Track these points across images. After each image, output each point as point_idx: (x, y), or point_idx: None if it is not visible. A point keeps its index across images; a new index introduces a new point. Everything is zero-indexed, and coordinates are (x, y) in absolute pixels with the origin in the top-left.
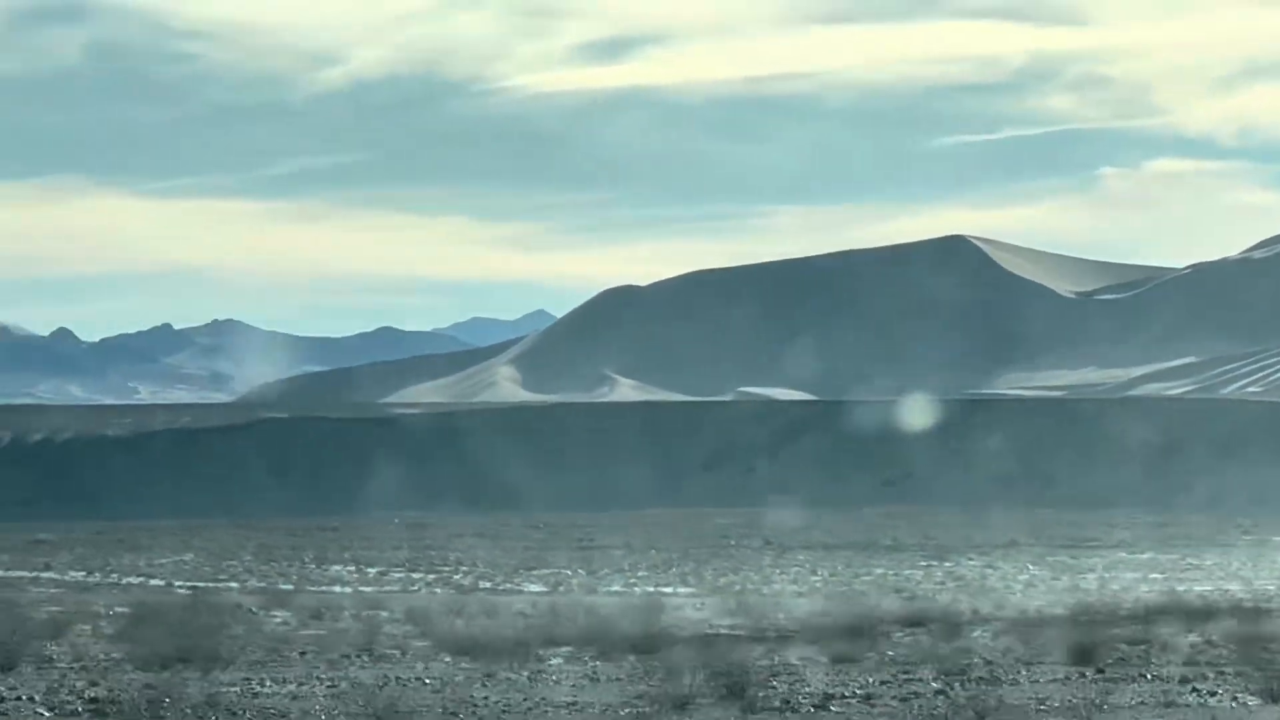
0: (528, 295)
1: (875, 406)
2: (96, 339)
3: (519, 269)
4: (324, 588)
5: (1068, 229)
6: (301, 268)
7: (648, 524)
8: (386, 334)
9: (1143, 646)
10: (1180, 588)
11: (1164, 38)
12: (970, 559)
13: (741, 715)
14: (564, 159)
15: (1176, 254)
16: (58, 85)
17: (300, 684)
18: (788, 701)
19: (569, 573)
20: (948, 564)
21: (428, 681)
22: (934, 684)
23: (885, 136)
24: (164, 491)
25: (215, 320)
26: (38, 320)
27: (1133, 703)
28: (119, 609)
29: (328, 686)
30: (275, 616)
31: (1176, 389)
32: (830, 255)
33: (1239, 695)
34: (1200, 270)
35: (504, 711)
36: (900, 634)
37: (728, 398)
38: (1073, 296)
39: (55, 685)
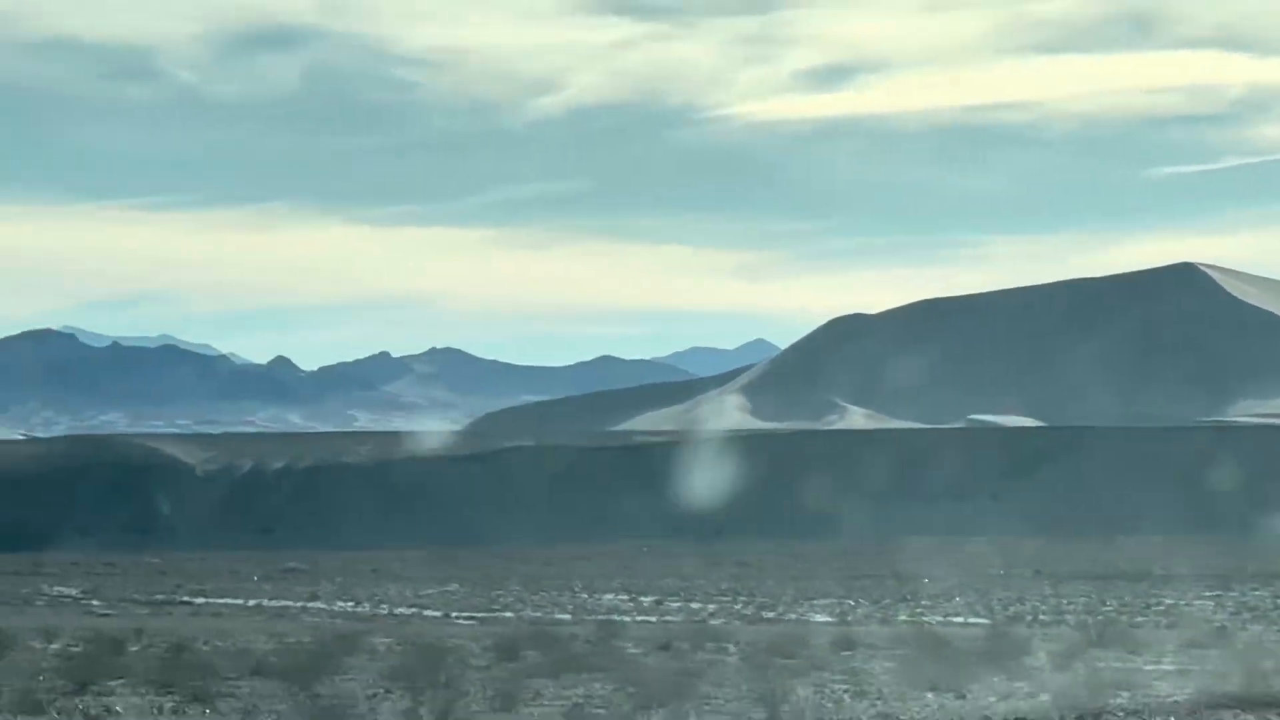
0: (746, 324)
1: (1107, 434)
2: (315, 367)
3: (737, 298)
4: (605, 615)
5: None
6: (520, 296)
7: (898, 552)
8: (606, 363)
9: None
10: None
11: None
12: (1254, 588)
13: None
14: (782, 187)
15: None
16: (276, 111)
17: None
18: None
19: (851, 602)
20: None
21: None
22: None
23: (1103, 165)
24: (404, 520)
25: (434, 348)
26: (256, 348)
27: None
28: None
29: None
30: (634, 648)
31: None
32: (1059, 283)
33: None
34: None
35: None
36: None
37: (959, 425)
38: None
39: None
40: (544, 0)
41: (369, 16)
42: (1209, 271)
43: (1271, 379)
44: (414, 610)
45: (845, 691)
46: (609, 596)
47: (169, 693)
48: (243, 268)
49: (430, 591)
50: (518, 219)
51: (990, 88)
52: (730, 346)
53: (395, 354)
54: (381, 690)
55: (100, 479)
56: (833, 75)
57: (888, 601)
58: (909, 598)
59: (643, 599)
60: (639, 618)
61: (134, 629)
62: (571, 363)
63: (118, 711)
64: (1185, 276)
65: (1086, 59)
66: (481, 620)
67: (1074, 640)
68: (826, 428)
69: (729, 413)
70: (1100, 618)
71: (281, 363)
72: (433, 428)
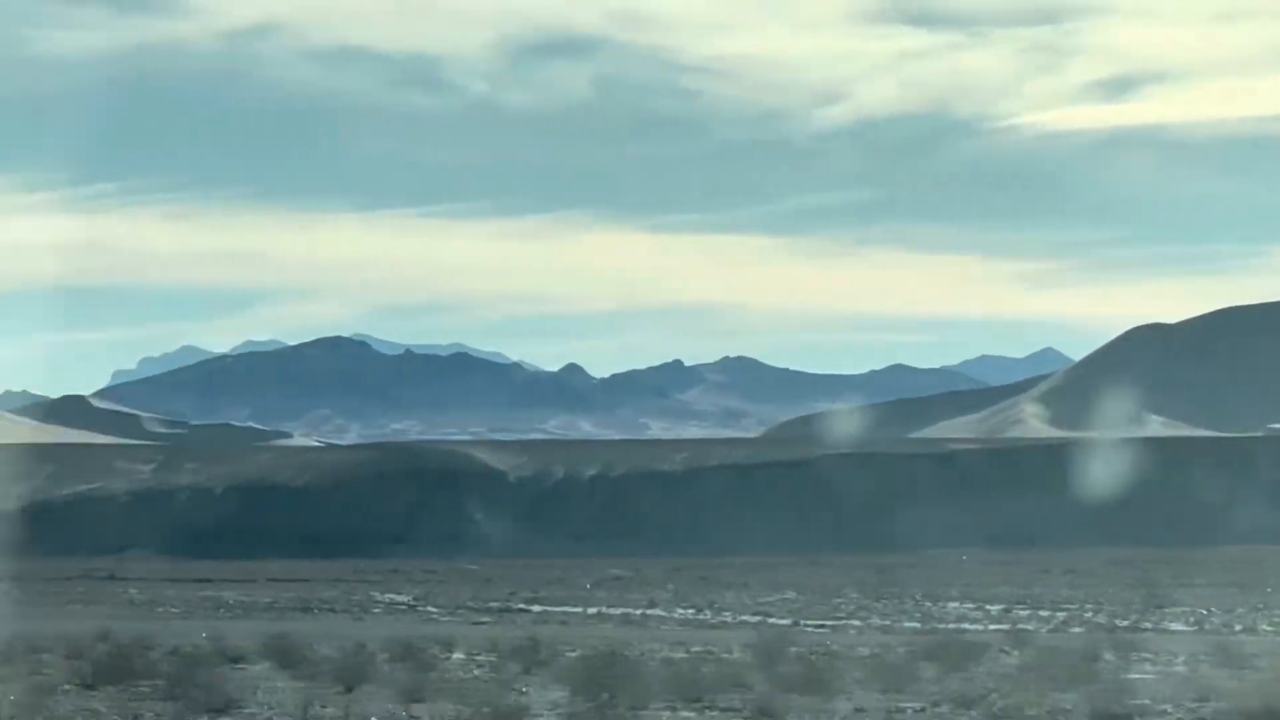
0: (1035, 332)
1: None
2: (607, 374)
3: (1026, 306)
4: (949, 625)
5: None
6: (810, 305)
7: (1228, 561)
8: (897, 371)
9: None
10: None
11: None
12: None
13: None
14: (1069, 197)
15: None
16: (566, 120)
17: None
18: None
19: (1204, 611)
20: None
21: None
22: None
23: None
24: (716, 526)
25: (726, 357)
26: (548, 356)
27: None
28: (866, 651)
29: None
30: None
31: None
32: None
33: None
34: None
35: None
36: None
37: (1258, 433)
38: None
39: None
40: (831, 10)
41: (657, 26)
42: None
43: None
44: (759, 618)
45: None
46: (953, 605)
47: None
48: (533, 276)
49: (769, 599)
50: (807, 228)
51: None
52: (1020, 355)
53: (688, 362)
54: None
55: (413, 486)
56: (1121, 85)
57: (1240, 610)
58: (1263, 606)
59: (989, 608)
60: (991, 626)
61: (526, 638)
62: (863, 371)
63: None
64: None
65: None
66: (858, 630)
67: None
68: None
69: (1027, 421)
70: None
71: (573, 370)
72: (735, 435)
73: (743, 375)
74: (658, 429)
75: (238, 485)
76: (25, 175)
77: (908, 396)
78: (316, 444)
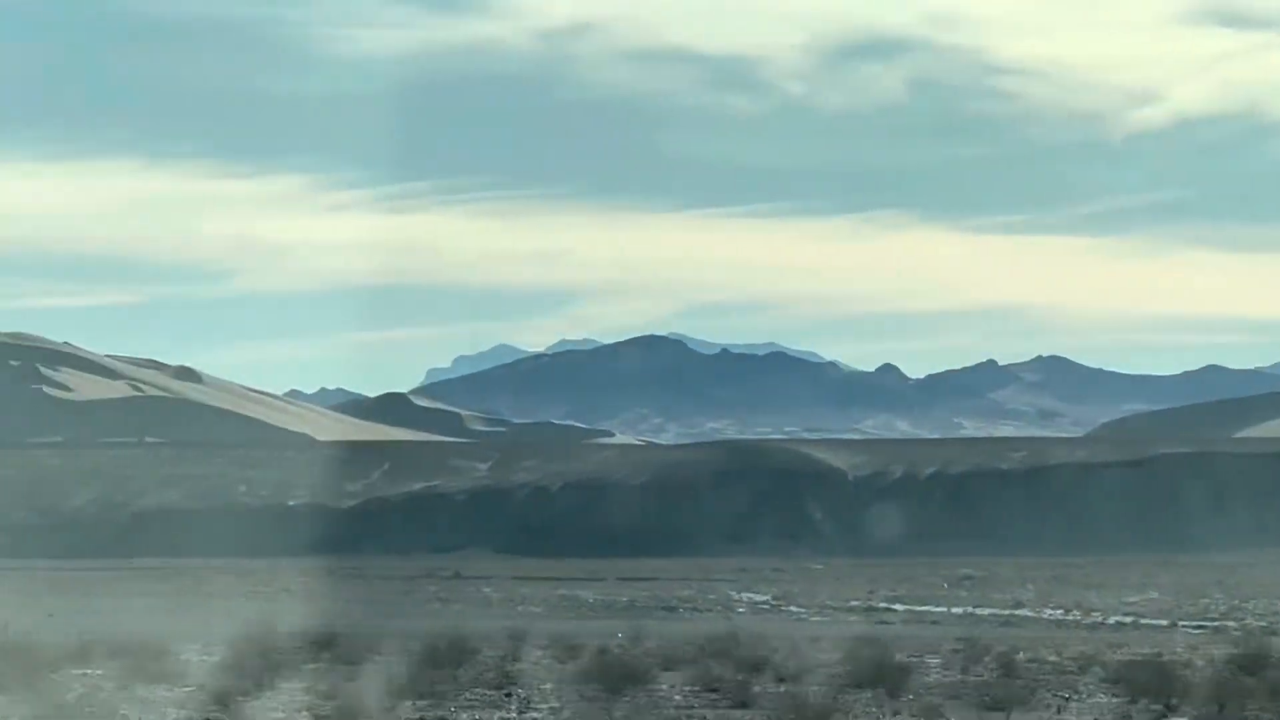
0: None
1: None
2: (921, 375)
3: None
4: None
5: None
6: (1124, 305)
7: None
8: (1212, 372)
9: None
10: None
11: None
12: None
13: None
14: None
15: None
16: (880, 121)
17: None
18: None
19: None
20: None
21: None
22: None
23: None
24: (1061, 525)
25: (1040, 356)
26: (864, 356)
27: None
28: None
29: None
30: None
31: None
32: None
33: None
34: None
35: None
36: None
37: None
38: None
39: None
40: (1144, 11)
41: (971, 28)
42: None
43: None
44: (1130, 619)
45: None
46: None
47: None
48: (848, 275)
49: (1133, 599)
50: (1121, 228)
51: None
52: None
53: (1002, 362)
54: None
55: (750, 484)
56: None
57: None
58: None
59: None
60: None
61: (956, 638)
62: (1177, 371)
63: None
64: None
65: None
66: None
67: None
68: None
69: None
70: None
71: (888, 370)
72: (1056, 434)
73: (1056, 375)
74: (972, 429)
75: (574, 483)
76: (339, 175)
77: (1225, 398)
78: (637, 442)
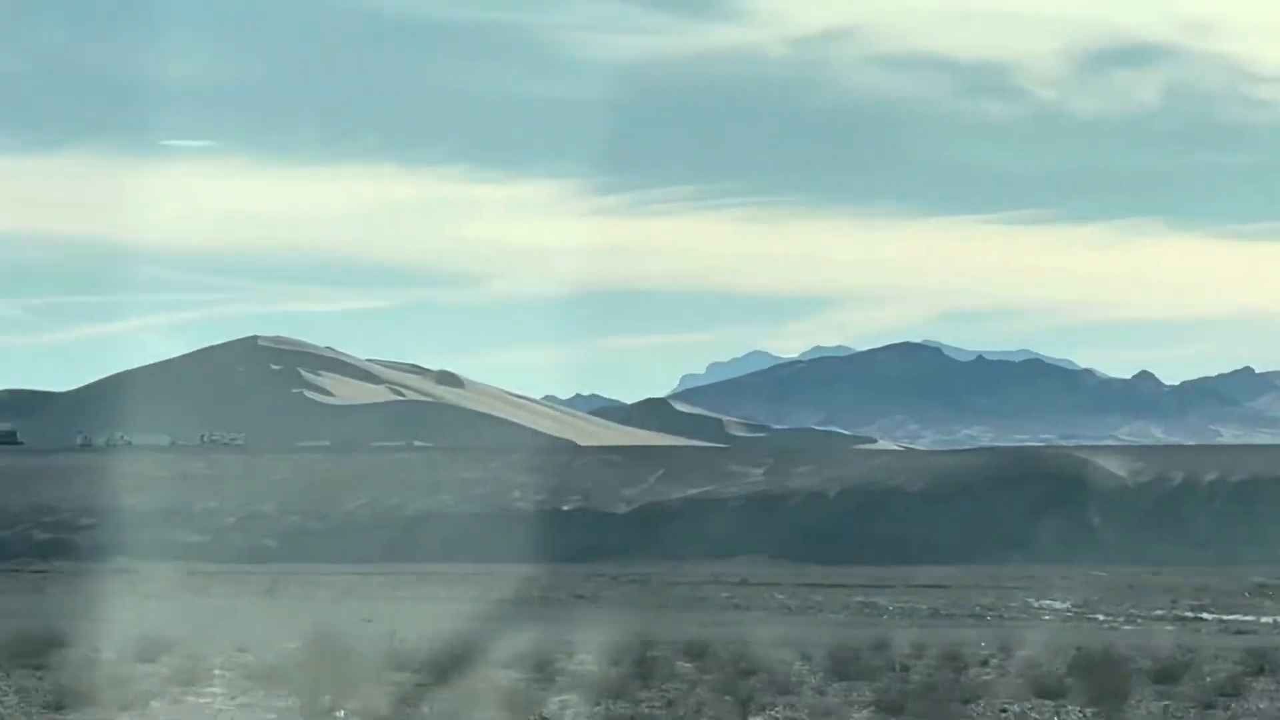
0: None
1: None
2: (1177, 381)
3: None
4: None
5: None
6: None
7: None
8: None
9: None
10: None
11: None
12: None
13: None
14: None
15: None
16: (1134, 128)
17: None
18: None
19: None
20: None
21: None
22: None
23: None
24: None
25: None
26: (1119, 363)
27: None
28: None
29: None
30: None
31: None
32: None
33: None
34: None
35: None
36: None
37: None
38: None
39: None
40: None
41: (1230, 35)
42: None
43: None
44: None
45: None
46: None
47: None
48: (1102, 282)
49: None
50: None
51: None
52: None
53: (1258, 369)
54: None
55: (1030, 491)
56: None
57: None
58: None
59: None
60: None
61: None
62: None
63: None
64: None
65: None
66: None
67: None
68: None
69: None
70: None
71: (1144, 377)
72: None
73: None
74: (1229, 436)
75: (850, 489)
76: (592, 179)
77: None
78: (894, 447)
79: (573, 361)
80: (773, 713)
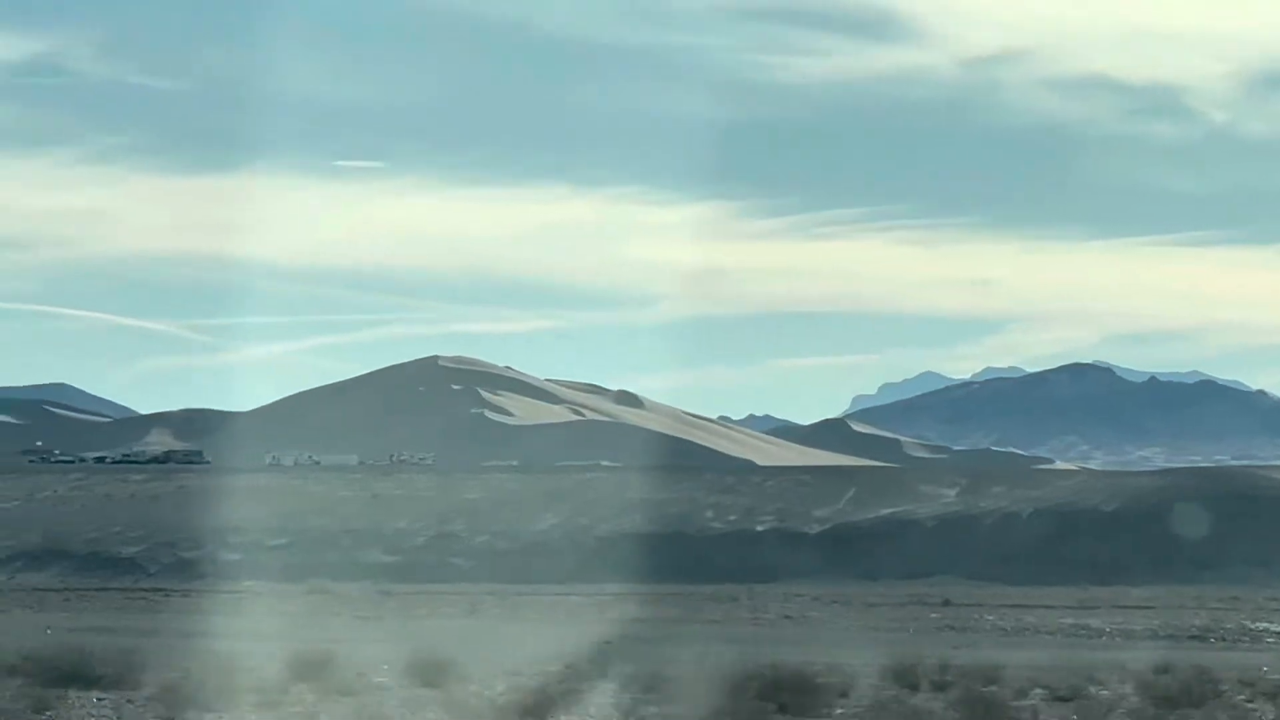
0: None
1: None
2: None
3: None
4: None
5: None
6: None
7: None
8: None
9: None
10: None
11: None
12: None
13: None
14: None
15: None
16: None
17: None
18: None
19: None
20: None
21: None
22: None
23: None
24: None
25: None
26: None
27: None
28: None
29: None
30: None
31: None
32: None
33: None
34: None
35: None
36: None
37: None
38: None
39: None
40: None
41: None
42: None
43: None
44: None
45: None
46: None
47: None
48: (1274, 304)
49: None
50: None
51: None
52: None
53: None
54: None
55: (1217, 511)
56: None
57: None
58: None
59: None
60: None
61: None
62: None
63: None
64: None
65: None
66: None
67: None
68: None
69: None
70: None
71: None
72: None
73: None
74: None
75: (1045, 509)
76: (762, 201)
77: None
78: (1068, 468)
79: (745, 382)
80: None
